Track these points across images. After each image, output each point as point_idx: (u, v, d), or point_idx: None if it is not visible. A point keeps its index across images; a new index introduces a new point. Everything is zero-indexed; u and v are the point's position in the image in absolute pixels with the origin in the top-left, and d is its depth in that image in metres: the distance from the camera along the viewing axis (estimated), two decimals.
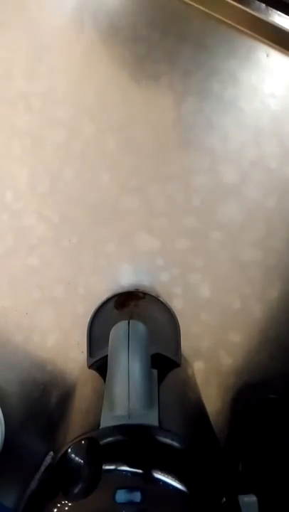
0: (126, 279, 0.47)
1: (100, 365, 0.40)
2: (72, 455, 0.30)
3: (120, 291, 0.45)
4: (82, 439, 0.30)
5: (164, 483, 0.26)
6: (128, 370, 0.30)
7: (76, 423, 0.35)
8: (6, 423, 0.45)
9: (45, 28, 0.46)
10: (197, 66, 0.44)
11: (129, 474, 0.26)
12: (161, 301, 0.44)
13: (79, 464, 0.29)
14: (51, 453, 0.32)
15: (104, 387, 0.34)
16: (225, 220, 0.47)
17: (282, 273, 0.47)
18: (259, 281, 0.47)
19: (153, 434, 0.29)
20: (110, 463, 0.27)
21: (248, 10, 0.43)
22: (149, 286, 0.47)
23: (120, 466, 0.27)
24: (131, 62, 0.44)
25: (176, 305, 0.46)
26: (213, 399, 0.46)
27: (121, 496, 0.24)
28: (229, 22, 0.44)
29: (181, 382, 0.41)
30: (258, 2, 0.42)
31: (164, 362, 0.41)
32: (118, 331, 0.33)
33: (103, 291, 0.47)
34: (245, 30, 0.44)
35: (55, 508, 0.25)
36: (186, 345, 0.44)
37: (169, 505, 0.25)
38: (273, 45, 0.47)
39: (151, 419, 0.30)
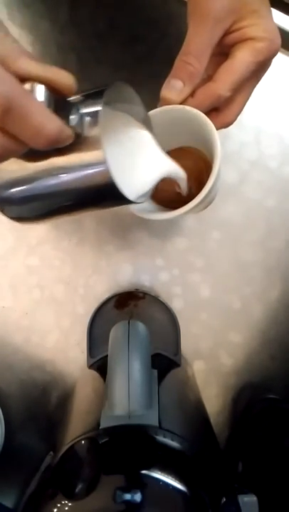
0: (126, 279, 0.47)
1: (100, 365, 0.41)
2: (72, 455, 0.30)
3: (120, 291, 0.45)
4: (82, 439, 0.30)
5: (164, 483, 0.26)
6: (128, 370, 0.30)
7: (76, 423, 0.35)
8: (6, 423, 0.45)
9: None
10: None
11: (129, 474, 0.26)
12: (161, 301, 0.44)
13: (79, 463, 0.29)
14: (51, 453, 0.32)
15: (104, 387, 0.34)
16: (225, 220, 0.47)
17: (282, 273, 0.47)
18: (259, 282, 0.47)
19: (153, 434, 0.29)
20: (110, 463, 0.27)
21: None
22: (149, 286, 0.47)
23: (120, 466, 0.27)
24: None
25: (176, 305, 0.46)
26: (213, 399, 0.46)
27: (121, 496, 0.24)
28: None
29: (181, 382, 0.41)
30: None
31: (164, 362, 0.41)
32: (118, 331, 0.33)
33: (103, 291, 0.47)
34: None
35: (55, 508, 0.25)
36: (186, 345, 0.44)
37: (169, 506, 0.25)
38: None
39: (151, 419, 0.31)
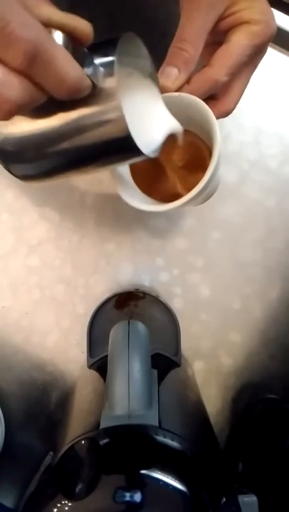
0: (126, 279, 0.47)
1: (100, 365, 0.41)
2: (72, 455, 0.30)
3: (120, 291, 0.45)
4: (82, 439, 0.30)
5: (164, 483, 0.26)
6: (128, 370, 0.30)
7: (76, 423, 0.35)
8: (6, 423, 0.45)
9: None
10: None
11: (129, 474, 0.26)
12: (161, 301, 0.44)
13: (79, 464, 0.29)
14: (51, 453, 0.32)
15: (104, 387, 0.34)
16: (225, 220, 0.47)
17: (282, 273, 0.47)
18: (259, 281, 0.47)
19: (153, 434, 0.29)
20: (110, 463, 0.27)
21: None
22: (149, 286, 0.47)
23: (120, 466, 0.27)
24: None
25: (176, 305, 0.46)
26: (213, 399, 0.46)
27: (121, 496, 0.24)
28: None
29: (181, 382, 0.41)
30: None
31: (164, 362, 0.41)
32: (118, 331, 0.33)
33: (103, 291, 0.47)
34: None
35: (55, 508, 0.25)
36: (186, 345, 0.44)
37: (169, 506, 0.25)
38: (273, 44, 0.47)
39: (151, 419, 0.31)
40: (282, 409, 0.43)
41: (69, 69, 0.21)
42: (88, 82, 0.23)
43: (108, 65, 0.24)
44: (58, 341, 0.47)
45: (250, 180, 0.47)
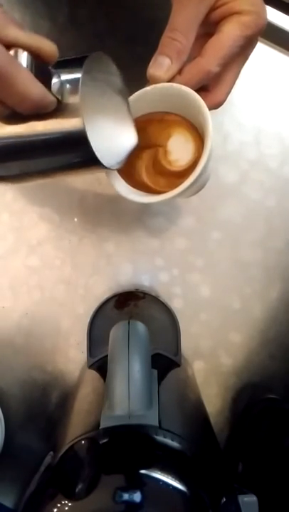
0: (126, 279, 0.47)
1: (100, 365, 0.41)
2: (72, 455, 0.30)
3: (120, 291, 0.45)
4: (82, 439, 0.30)
5: (164, 483, 0.26)
6: (128, 370, 0.30)
7: (76, 423, 0.35)
8: (6, 423, 0.45)
9: None
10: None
11: (129, 474, 0.26)
12: (161, 301, 0.44)
13: (79, 463, 0.29)
14: (51, 453, 0.32)
15: (104, 387, 0.34)
16: (225, 220, 0.47)
17: (282, 273, 0.47)
18: (259, 281, 0.47)
19: (153, 434, 0.29)
20: (110, 463, 0.27)
21: None
22: (149, 286, 0.47)
23: (120, 466, 0.27)
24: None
25: (176, 305, 0.46)
26: (213, 399, 0.46)
27: (121, 495, 0.24)
28: None
29: (181, 382, 0.41)
30: None
31: (164, 362, 0.41)
32: (118, 331, 0.33)
33: (103, 291, 0.47)
34: None
35: (55, 508, 0.25)
36: (186, 345, 0.44)
37: (169, 506, 0.25)
38: (273, 44, 0.47)
39: (151, 419, 0.30)
40: (282, 409, 0.43)
41: (31, 88, 0.23)
42: (52, 98, 0.25)
43: (73, 82, 0.26)
44: (58, 341, 0.47)
45: (250, 180, 0.47)
